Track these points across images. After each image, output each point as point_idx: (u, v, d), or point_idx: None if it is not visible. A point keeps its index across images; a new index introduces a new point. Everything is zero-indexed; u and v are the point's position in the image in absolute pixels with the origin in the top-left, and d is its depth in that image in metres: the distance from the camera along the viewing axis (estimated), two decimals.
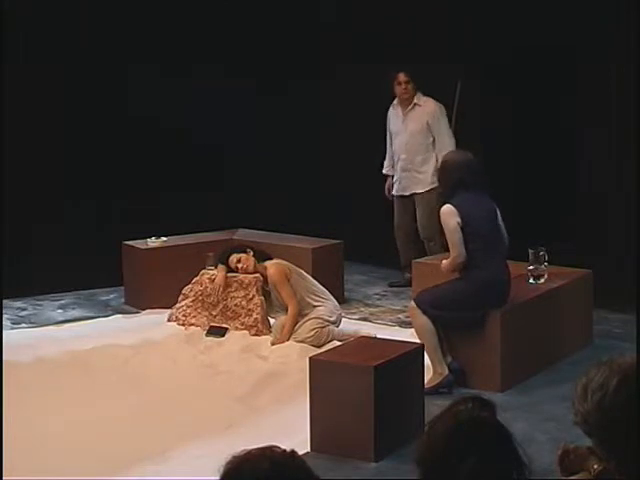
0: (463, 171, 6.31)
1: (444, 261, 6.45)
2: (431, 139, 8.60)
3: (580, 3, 8.12)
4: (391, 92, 8.72)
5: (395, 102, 8.77)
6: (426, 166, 8.61)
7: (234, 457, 2.17)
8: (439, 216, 6.39)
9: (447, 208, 6.27)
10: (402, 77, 8.57)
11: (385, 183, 8.97)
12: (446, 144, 8.41)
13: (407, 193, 8.76)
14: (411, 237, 8.83)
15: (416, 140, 8.63)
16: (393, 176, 8.88)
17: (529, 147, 8.72)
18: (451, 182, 6.34)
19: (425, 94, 8.63)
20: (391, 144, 8.86)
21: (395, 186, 8.83)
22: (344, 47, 9.58)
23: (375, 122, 9.27)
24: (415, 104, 8.63)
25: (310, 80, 9.62)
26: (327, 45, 9.71)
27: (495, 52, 8.58)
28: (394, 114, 8.78)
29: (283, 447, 2.21)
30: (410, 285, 8.11)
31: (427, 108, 8.58)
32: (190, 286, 7.76)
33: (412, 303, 6.45)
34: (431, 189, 8.50)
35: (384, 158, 8.95)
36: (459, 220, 6.21)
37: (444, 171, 6.46)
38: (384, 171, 8.96)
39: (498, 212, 6.42)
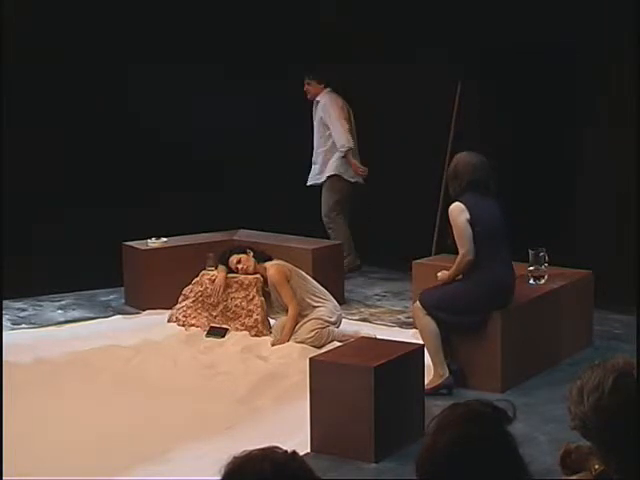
0: (475, 173, 6.26)
1: (439, 273, 6.44)
2: (328, 132, 9.28)
3: (580, 3, 8.12)
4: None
5: None
6: (324, 157, 9.35)
7: (235, 458, 2.17)
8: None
9: (456, 205, 6.23)
10: (305, 79, 9.33)
11: None
12: (335, 135, 9.18)
13: (309, 183, 9.48)
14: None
15: (317, 134, 9.39)
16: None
17: (529, 147, 8.72)
18: (463, 183, 6.27)
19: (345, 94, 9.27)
20: None
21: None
22: (343, 48, 9.58)
23: (374, 122, 9.30)
24: (317, 102, 9.35)
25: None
26: (325, 46, 9.70)
27: (495, 52, 8.58)
28: None
29: (284, 448, 2.20)
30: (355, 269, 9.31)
31: (321, 103, 9.32)
32: (190, 287, 7.76)
33: (416, 304, 6.44)
34: (327, 178, 9.31)
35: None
36: (468, 217, 6.17)
37: (456, 172, 6.35)
38: None
39: (505, 220, 6.36)
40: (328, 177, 9.34)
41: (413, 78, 9.12)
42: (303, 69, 9.32)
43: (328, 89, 9.31)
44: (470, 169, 6.29)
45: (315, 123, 9.40)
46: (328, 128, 9.26)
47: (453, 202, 6.30)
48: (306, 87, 9.35)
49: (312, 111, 9.43)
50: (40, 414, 6.08)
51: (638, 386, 2.55)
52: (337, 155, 9.28)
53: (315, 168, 9.46)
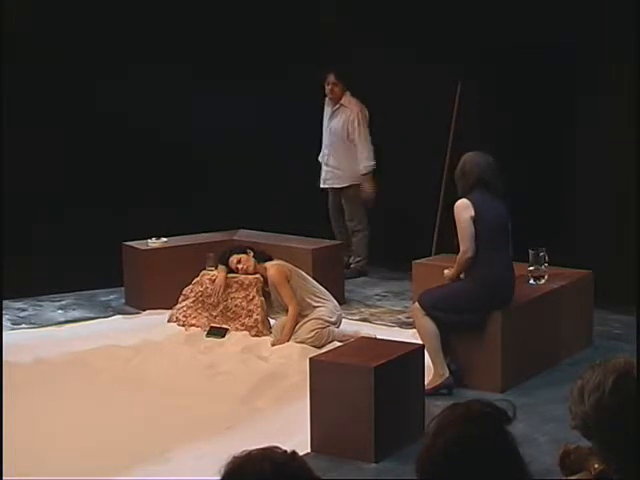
0: (482, 171, 6.30)
1: (446, 270, 6.45)
2: (351, 137, 9.23)
3: (580, 3, 8.12)
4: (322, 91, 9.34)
5: (327, 99, 9.38)
6: (345, 163, 9.26)
7: (235, 458, 2.17)
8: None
9: (462, 201, 6.26)
10: (331, 78, 9.22)
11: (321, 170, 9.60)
12: (362, 153, 9.15)
13: (325, 186, 9.46)
14: (341, 223, 9.49)
15: (336, 137, 9.30)
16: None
17: (529, 147, 8.72)
18: (470, 181, 6.30)
19: (353, 94, 9.22)
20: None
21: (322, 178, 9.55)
22: (343, 48, 9.58)
23: (374, 122, 9.29)
24: (341, 105, 9.27)
25: (310, 80, 9.61)
26: (325, 46, 9.70)
27: (495, 52, 8.58)
28: (325, 110, 9.42)
29: (284, 448, 2.20)
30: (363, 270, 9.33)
31: (349, 110, 9.22)
32: (190, 287, 7.76)
33: (415, 304, 6.44)
34: (350, 185, 9.27)
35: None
36: (472, 214, 6.19)
37: (463, 171, 6.38)
38: (319, 158, 9.56)
39: (509, 221, 6.39)
40: (355, 184, 9.30)
41: (413, 78, 9.12)
42: (330, 69, 9.19)
43: (348, 92, 9.26)
44: (478, 168, 6.32)
45: (336, 125, 9.28)
46: (349, 134, 9.23)
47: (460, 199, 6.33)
48: (332, 87, 9.22)
49: (323, 110, 9.40)
50: (40, 414, 6.08)
51: (638, 386, 2.55)
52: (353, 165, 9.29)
53: (332, 171, 9.40)
